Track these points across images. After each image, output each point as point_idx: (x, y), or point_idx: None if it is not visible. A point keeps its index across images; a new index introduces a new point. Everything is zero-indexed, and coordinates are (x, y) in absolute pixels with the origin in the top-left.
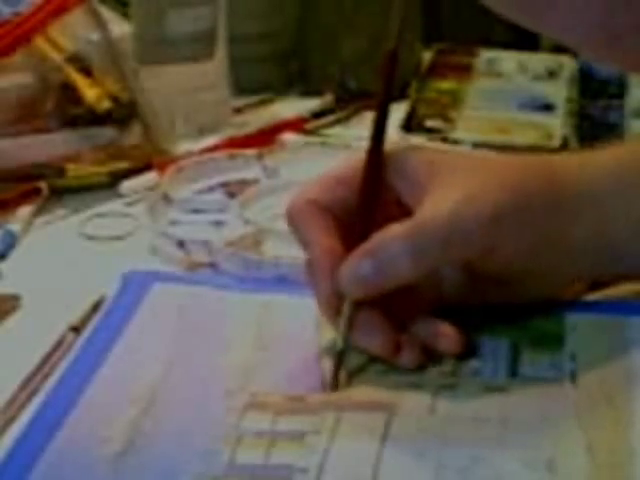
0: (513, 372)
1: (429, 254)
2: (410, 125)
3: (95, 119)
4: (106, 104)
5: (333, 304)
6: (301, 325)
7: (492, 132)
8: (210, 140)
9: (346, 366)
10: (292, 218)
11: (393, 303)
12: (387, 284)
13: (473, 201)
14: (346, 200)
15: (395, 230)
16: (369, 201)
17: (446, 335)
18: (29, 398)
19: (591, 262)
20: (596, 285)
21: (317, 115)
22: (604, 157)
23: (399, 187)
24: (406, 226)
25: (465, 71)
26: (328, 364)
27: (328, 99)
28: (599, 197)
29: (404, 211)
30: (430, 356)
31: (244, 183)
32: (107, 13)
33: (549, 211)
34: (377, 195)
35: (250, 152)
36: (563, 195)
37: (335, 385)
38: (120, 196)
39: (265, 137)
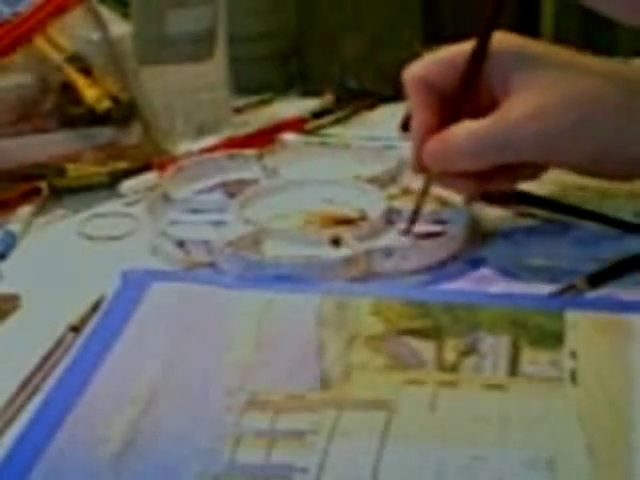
0: (513, 370)
1: (485, 155)
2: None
3: (95, 119)
4: (106, 104)
5: (417, 166)
6: (301, 323)
7: None
8: (210, 140)
9: (349, 360)
10: (406, 86)
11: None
12: (453, 168)
13: (536, 116)
14: (453, 81)
15: (464, 127)
16: (465, 87)
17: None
18: (29, 398)
19: None
20: (596, 282)
21: (317, 115)
22: None
23: (494, 83)
24: (474, 125)
25: None
26: (328, 363)
27: (328, 99)
28: None
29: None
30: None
31: (244, 183)
32: (107, 13)
33: (613, 123)
34: (473, 83)
35: (250, 152)
36: (636, 104)
37: (409, 229)
38: (120, 196)
39: (265, 137)
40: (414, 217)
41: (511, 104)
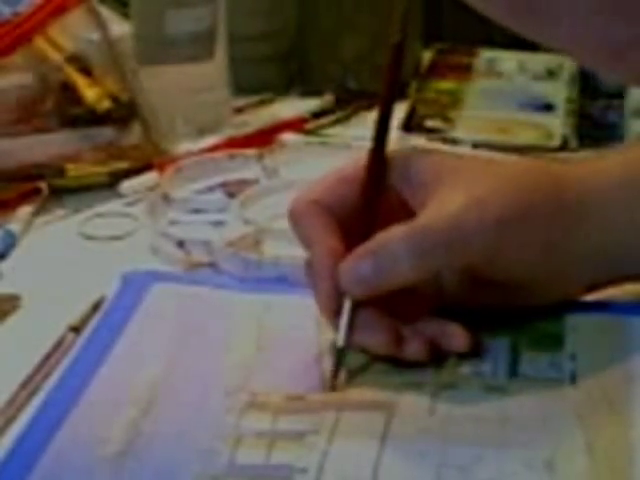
0: (513, 372)
1: (431, 257)
2: (410, 125)
3: (95, 119)
4: (106, 104)
5: (333, 304)
6: (301, 325)
7: (492, 132)
8: (210, 140)
9: (346, 366)
10: (294, 218)
11: (393, 302)
12: (387, 285)
13: (477, 205)
14: (348, 200)
15: (397, 231)
16: (371, 200)
17: (455, 334)
18: (29, 398)
19: (593, 268)
20: (595, 286)
21: (317, 115)
22: (609, 163)
23: (403, 189)
24: (409, 227)
25: (465, 71)
26: (328, 364)
27: (328, 99)
28: (603, 204)
29: (407, 213)
30: (433, 355)
31: (244, 183)
32: (107, 13)
33: (553, 217)
34: (379, 195)
35: (250, 152)
36: (567, 201)
37: (334, 385)
38: (120, 196)
39: (265, 137)
40: (338, 363)
41: (441, 199)
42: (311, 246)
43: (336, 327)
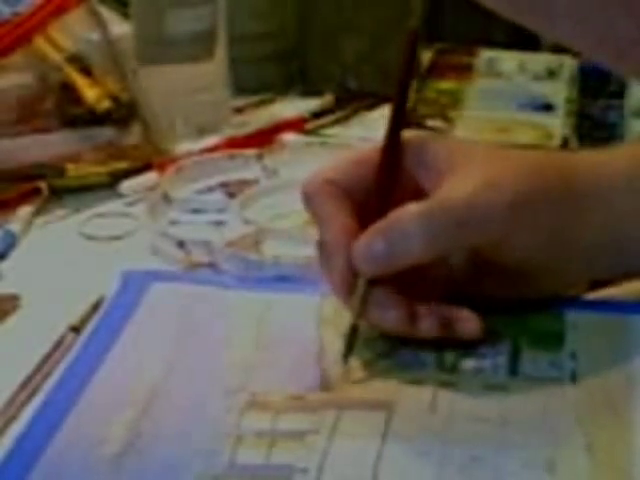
0: (513, 371)
1: (443, 236)
2: (410, 125)
3: (95, 119)
4: (106, 104)
5: (346, 282)
6: (301, 324)
7: (492, 132)
8: (210, 140)
9: (347, 364)
10: (307, 196)
11: (406, 287)
12: (399, 263)
13: (490, 188)
14: (363, 181)
15: (410, 210)
16: (386, 183)
17: (467, 319)
18: (29, 398)
19: (600, 261)
20: (597, 283)
21: (317, 115)
22: (617, 156)
23: (417, 172)
24: (421, 206)
25: (465, 71)
26: (328, 364)
27: (328, 99)
28: (610, 196)
29: (421, 198)
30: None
31: (244, 183)
32: (107, 13)
33: (560, 203)
34: (394, 178)
35: (250, 152)
36: (574, 188)
37: (347, 359)
38: (120, 196)
39: (265, 137)
40: (351, 339)
41: (455, 182)
42: (325, 224)
43: (349, 306)
